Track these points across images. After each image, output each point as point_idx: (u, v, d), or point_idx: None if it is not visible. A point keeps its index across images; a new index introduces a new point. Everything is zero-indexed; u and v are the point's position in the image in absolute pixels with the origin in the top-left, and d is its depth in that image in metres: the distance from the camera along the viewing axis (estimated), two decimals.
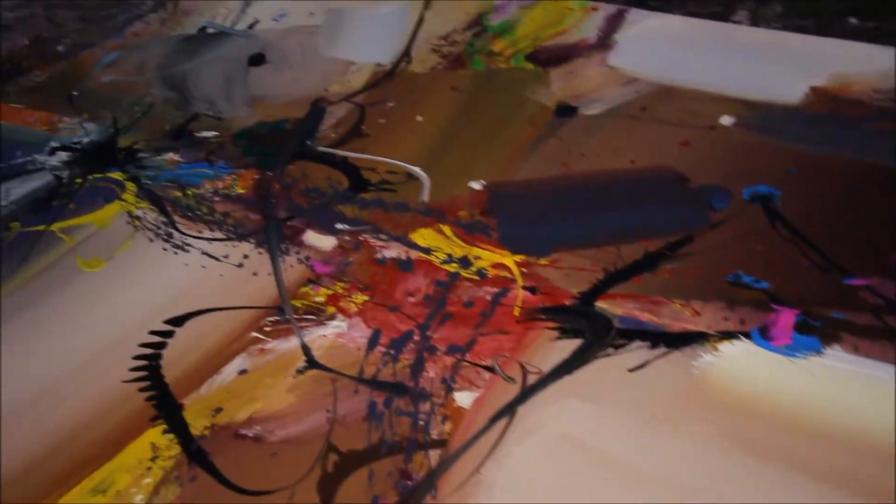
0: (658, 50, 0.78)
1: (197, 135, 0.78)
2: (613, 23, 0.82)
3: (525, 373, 0.54)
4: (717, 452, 0.49)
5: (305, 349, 0.59)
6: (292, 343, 0.60)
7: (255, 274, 0.65)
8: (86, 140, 0.79)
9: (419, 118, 0.76)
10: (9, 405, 0.58)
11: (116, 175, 0.75)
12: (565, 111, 0.75)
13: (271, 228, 0.68)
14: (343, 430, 0.53)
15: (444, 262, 0.63)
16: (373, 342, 0.58)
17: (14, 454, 0.55)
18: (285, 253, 0.66)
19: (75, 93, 0.86)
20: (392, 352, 0.57)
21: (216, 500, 0.51)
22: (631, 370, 0.54)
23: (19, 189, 0.74)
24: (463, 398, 0.54)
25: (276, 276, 0.64)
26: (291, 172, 0.73)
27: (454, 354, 0.56)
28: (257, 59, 0.86)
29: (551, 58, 0.80)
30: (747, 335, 0.55)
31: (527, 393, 0.53)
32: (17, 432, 0.56)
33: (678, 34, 0.79)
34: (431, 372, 0.56)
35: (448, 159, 0.71)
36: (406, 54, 0.84)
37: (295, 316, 0.61)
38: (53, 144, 0.79)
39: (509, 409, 0.53)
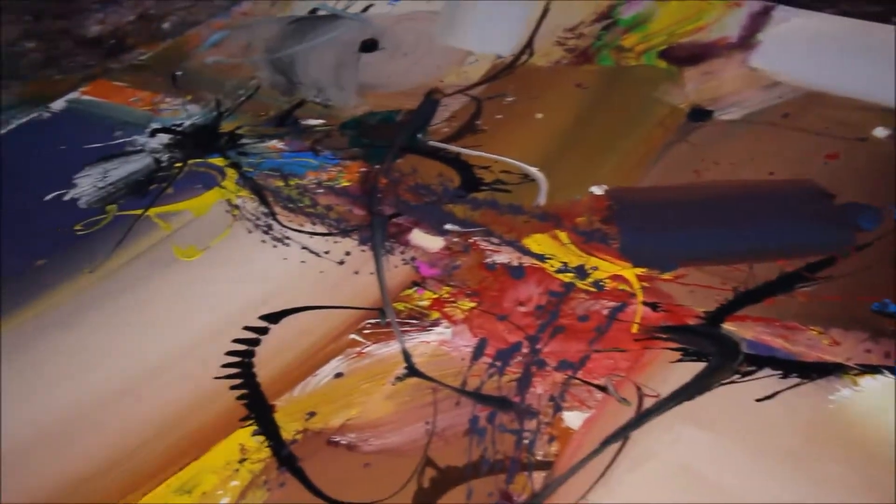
0: (805, 52, 0.76)
1: (302, 122, 0.80)
2: (757, 20, 0.81)
3: (641, 395, 0.54)
4: (849, 498, 0.48)
5: (406, 355, 0.59)
6: (392, 348, 0.60)
7: (356, 273, 0.66)
8: (187, 123, 0.81)
9: (539, 115, 0.77)
10: (97, 395, 0.60)
11: (217, 161, 0.77)
12: (699, 115, 0.74)
13: (376, 225, 0.69)
14: (442, 444, 0.54)
15: (559, 270, 0.63)
16: (478, 352, 0.58)
17: (100, 447, 0.56)
18: (389, 252, 0.67)
19: (179, 73, 0.89)
20: (498, 364, 0.57)
21: None
22: (758, 400, 0.53)
23: (117, 171, 0.77)
24: (572, 418, 0.54)
25: (379, 276, 0.65)
26: (400, 167, 0.74)
27: (565, 371, 0.56)
28: (370, 46, 0.87)
29: (687, 56, 0.80)
30: (892, 370, 0.53)
31: (642, 417, 0.53)
32: (103, 424, 0.58)
33: (829, 35, 0.78)
34: (539, 388, 0.56)
35: (568, 161, 0.71)
36: (528, 46, 0.84)
37: (397, 320, 0.62)
38: (154, 126, 0.82)
39: (622, 434, 0.52)
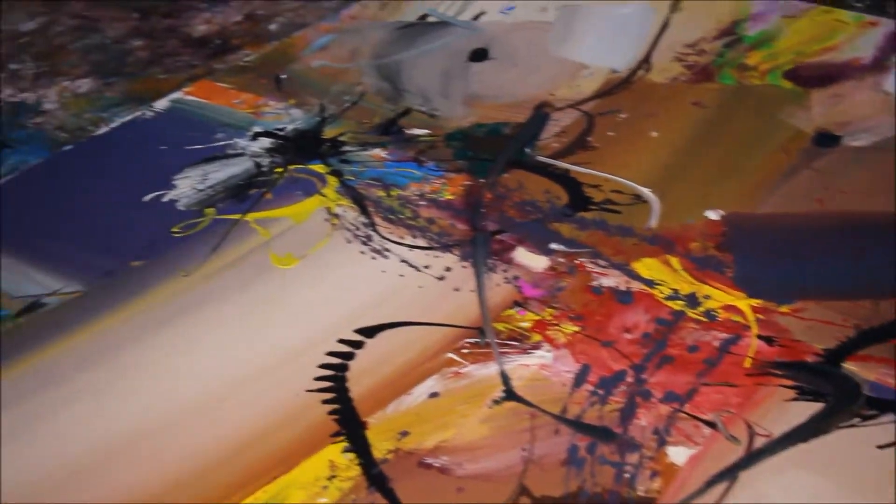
0: None
1: (407, 131, 0.81)
2: (893, 41, 0.80)
3: (752, 434, 0.54)
4: None
5: (505, 378, 0.60)
6: (491, 370, 0.61)
7: (456, 289, 0.67)
8: (290, 127, 0.83)
9: (654, 133, 0.77)
10: (187, 401, 0.61)
11: (318, 168, 0.79)
12: (826, 140, 0.73)
13: (479, 241, 0.70)
14: (539, 473, 0.54)
15: (669, 297, 0.63)
16: (580, 379, 0.58)
17: (188, 455, 0.58)
18: (492, 270, 0.68)
19: (283, 76, 0.91)
20: (601, 392, 0.57)
21: None
22: (880, 447, 0.52)
23: (217, 174, 0.79)
24: (677, 454, 0.54)
25: (480, 294, 0.66)
26: (506, 181, 0.74)
27: (671, 403, 0.56)
28: (480, 55, 0.88)
29: (815, 77, 0.79)
30: None
31: (752, 457, 0.53)
32: (193, 432, 0.59)
33: None
34: (643, 420, 0.56)
35: (683, 183, 0.71)
36: (646, 61, 0.84)
37: (496, 340, 0.62)
38: (256, 129, 0.84)
39: (730, 474, 0.52)
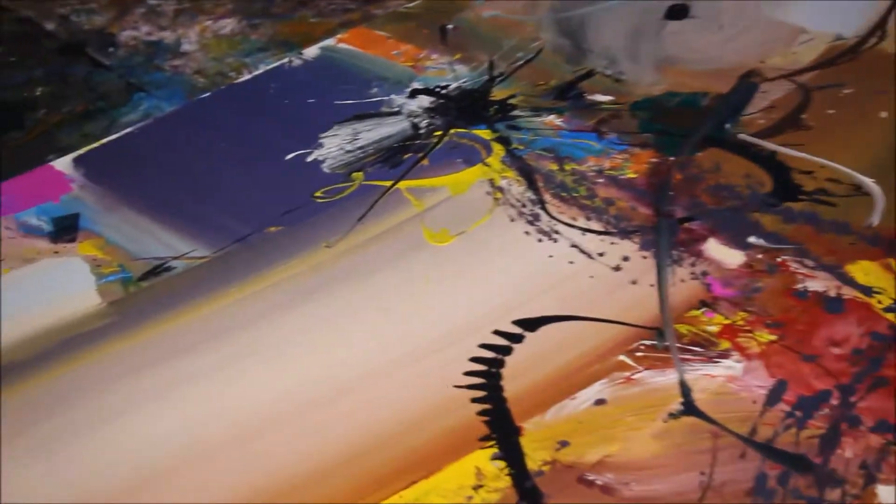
0: None
1: (588, 97, 0.81)
2: None
3: None
4: None
5: (684, 389, 0.59)
6: (668, 378, 0.60)
7: (633, 282, 0.66)
8: (454, 85, 0.84)
9: (883, 114, 0.74)
10: (315, 390, 0.62)
11: (483, 133, 0.79)
12: None
13: (663, 228, 0.69)
14: (718, 501, 0.53)
15: (888, 309, 0.61)
16: (774, 397, 0.57)
17: (314, 450, 0.59)
18: (676, 262, 0.67)
19: (450, 26, 0.91)
20: (798, 414, 0.56)
21: None
22: None
23: (369, 133, 0.80)
24: (888, 494, 0.52)
25: (661, 289, 0.65)
26: (700, 161, 0.73)
27: (884, 434, 0.54)
28: (679, 12, 0.87)
29: None
30: None
31: None
32: (320, 424, 0.60)
33: None
34: (848, 451, 0.54)
35: None
36: (880, 27, 0.81)
37: (677, 344, 0.61)
38: (416, 86, 0.84)
39: None
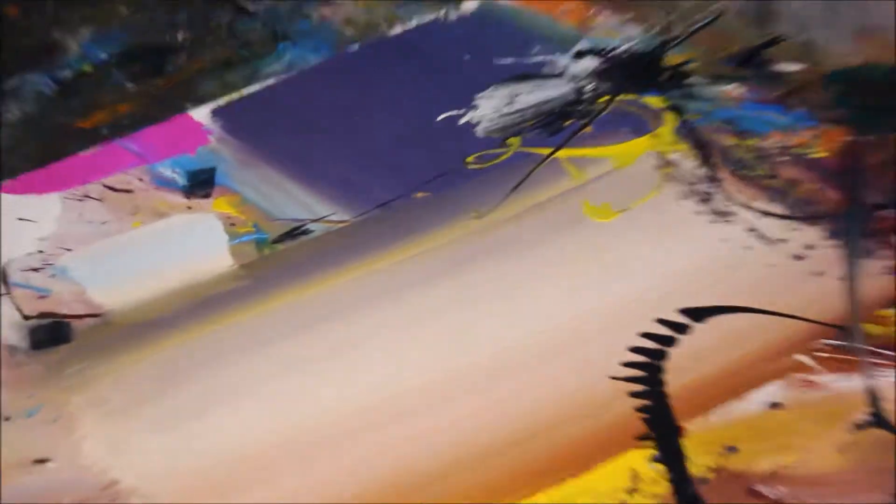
0: None
1: (773, 65, 0.78)
2: None
3: None
4: None
5: (873, 398, 0.58)
6: (854, 384, 0.59)
7: (818, 274, 0.65)
8: (623, 48, 0.82)
9: None
10: (455, 373, 0.62)
11: (653, 101, 0.77)
12: None
13: (855, 216, 0.67)
14: None
15: None
16: None
17: (458, 440, 0.58)
18: (869, 254, 0.65)
19: None
20: None
21: None
22: None
23: (528, 97, 0.79)
24: None
25: (850, 283, 0.63)
26: None
27: None
28: None
29: None
30: None
31: None
32: (458, 411, 0.60)
33: None
34: None
35: None
36: None
37: (866, 346, 0.59)
38: (581, 47, 0.82)
39: None
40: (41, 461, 0.57)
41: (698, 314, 0.64)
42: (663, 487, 0.55)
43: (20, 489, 0.55)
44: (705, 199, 0.71)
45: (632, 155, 0.74)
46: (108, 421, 0.59)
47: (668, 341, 0.62)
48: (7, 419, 0.59)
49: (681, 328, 0.63)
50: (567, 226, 0.70)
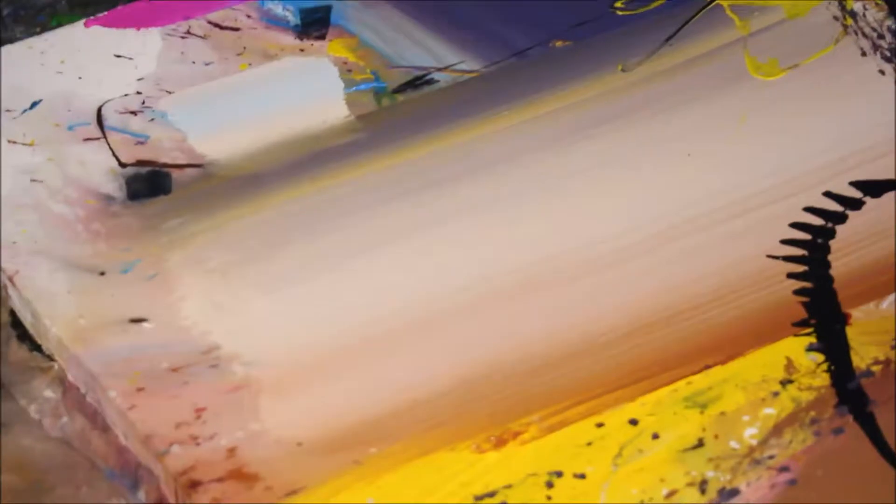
0: None
1: None
2: None
3: None
4: None
5: None
6: None
7: None
8: None
9: None
10: (601, 243, 0.61)
11: None
12: None
13: None
14: None
15: None
16: None
17: (590, 317, 0.58)
18: None
19: None
20: None
21: (861, 470, 0.50)
22: None
23: None
24: None
25: None
26: None
27: None
28: None
29: None
30: None
31: None
32: (602, 287, 0.59)
33: None
34: None
35: None
36: None
37: None
38: None
39: None
40: (137, 321, 0.57)
41: (874, 188, 0.62)
42: (821, 380, 0.54)
43: (114, 349, 0.55)
44: (891, 56, 0.68)
45: (807, 3, 0.72)
46: (208, 281, 0.59)
47: (836, 218, 0.61)
48: (101, 274, 0.58)
49: (852, 203, 0.61)
50: (727, 82, 0.69)
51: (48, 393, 0.56)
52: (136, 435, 0.51)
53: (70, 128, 0.66)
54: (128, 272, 0.59)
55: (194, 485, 0.48)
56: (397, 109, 0.68)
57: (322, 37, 0.71)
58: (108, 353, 0.55)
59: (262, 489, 0.48)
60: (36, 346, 0.57)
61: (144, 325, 0.56)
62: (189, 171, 0.64)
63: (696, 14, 0.72)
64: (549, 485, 0.49)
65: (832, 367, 0.54)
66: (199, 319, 0.57)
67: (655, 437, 0.51)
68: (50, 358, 0.57)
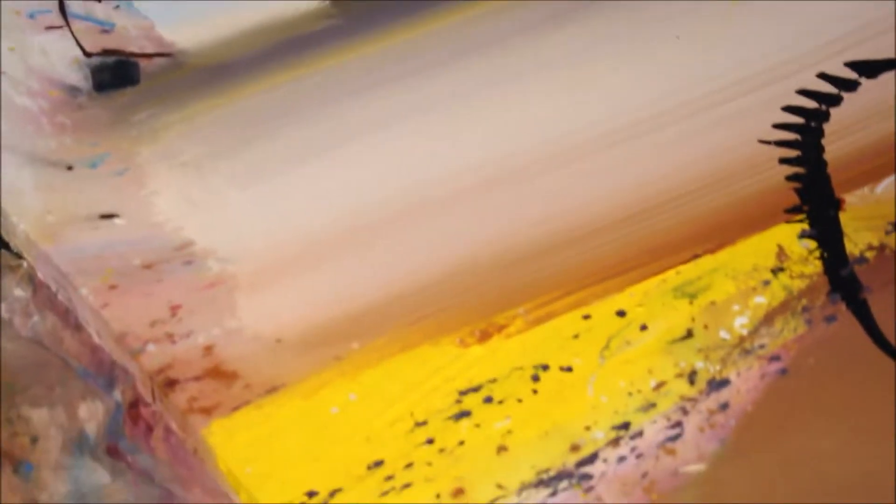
0: None
1: None
2: None
3: None
4: None
5: None
6: None
7: None
8: None
9: None
10: (593, 126, 0.61)
11: None
12: None
13: None
14: None
15: None
16: None
17: (577, 204, 0.58)
18: None
19: None
20: None
21: (853, 358, 0.50)
22: None
23: None
24: None
25: None
26: None
27: None
28: None
29: None
30: None
31: None
32: (590, 173, 0.59)
33: None
34: None
35: None
36: None
37: None
38: None
39: None
40: (108, 217, 0.57)
41: (870, 68, 0.62)
42: (814, 267, 0.54)
43: (84, 246, 0.55)
44: None
45: None
46: (180, 175, 0.59)
47: (830, 100, 0.61)
48: (69, 169, 0.58)
49: (847, 85, 0.61)
50: None
51: (18, 291, 0.56)
52: (110, 333, 0.51)
53: (31, 15, 0.65)
54: (96, 167, 0.59)
55: (171, 383, 0.49)
56: None
57: None
58: (78, 249, 0.55)
59: (241, 387, 0.49)
60: (4, 244, 0.57)
61: (115, 221, 0.56)
62: (158, 60, 0.64)
63: None
64: (535, 378, 0.49)
65: (825, 254, 0.54)
66: (172, 215, 0.57)
67: (644, 328, 0.51)
68: (19, 256, 0.57)
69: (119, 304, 0.52)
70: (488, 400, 0.48)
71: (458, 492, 0.45)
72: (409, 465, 0.46)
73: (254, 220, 0.57)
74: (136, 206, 0.57)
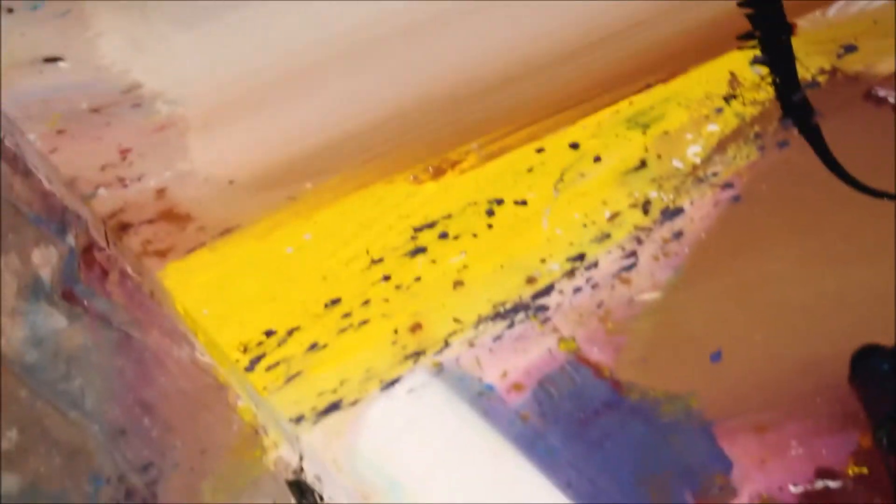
0: None
1: None
2: None
3: None
4: None
5: None
6: None
7: None
8: None
9: None
10: None
11: None
12: None
13: None
14: None
15: None
16: None
17: (527, 39, 0.58)
18: None
19: None
20: None
21: (805, 182, 0.51)
22: None
23: None
24: None
25: None
26: None
27: None
28: None
29: None
30: None
31: None
32: (537, 10, 0.58)
33: None
34: None
35: None
36: None
37: None
38: None
39: None
40: (52, 60, 0.57)
41: None
42: (766, 93, 0.55)
43: (29, 91, 0.55)
44: None
45: None
46: (125, 16, 0.59)
47: None
48: (10, 11, 0.58)
49: None
50: None
51: None
52: (60, 178, 0.52)
53: None
54: (38, 9, 0.59)
55: (124, 227, 0.49)
56: None
57: None
58: (23, 94, 0.55)
59: (195, 229, 0.49)
60: None
61: (60, 64, 0.56)
62: None
63: None
64: (490, 213, 0.50)
65: (777, 80, 0.55)
66: (118, 57, 0.57)
67: (597, 159, 0.52)
68: None
69: (68, 148, 0.53)
70: (443, 236, 0.49)
71: (416, 327, 0.45)
72: (366, 303, 0.46)
73: (201, 61, 0.57)
74: (81, 48, 0.57)
